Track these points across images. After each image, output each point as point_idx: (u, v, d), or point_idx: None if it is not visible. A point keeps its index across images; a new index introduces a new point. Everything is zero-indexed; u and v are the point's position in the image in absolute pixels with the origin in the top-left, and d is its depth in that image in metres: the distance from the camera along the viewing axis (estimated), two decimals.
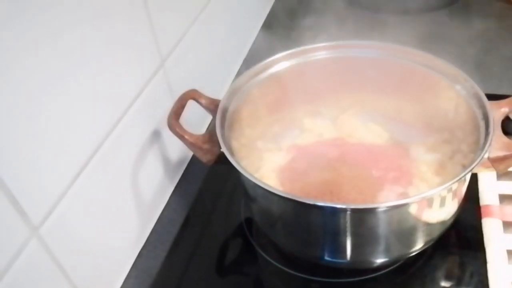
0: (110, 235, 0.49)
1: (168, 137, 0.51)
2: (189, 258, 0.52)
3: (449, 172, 0.50)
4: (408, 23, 0.83)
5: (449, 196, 0.43)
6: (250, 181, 0.42)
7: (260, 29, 0.86)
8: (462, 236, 0.51)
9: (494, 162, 0.44)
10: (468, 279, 0.48)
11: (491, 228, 0.50)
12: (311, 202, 0.41)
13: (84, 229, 0.44)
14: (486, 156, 0.43)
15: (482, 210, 0.52)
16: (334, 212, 0.42)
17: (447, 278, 0.49)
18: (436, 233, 0.46)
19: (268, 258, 0.51)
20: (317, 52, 0.55)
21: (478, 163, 0.41)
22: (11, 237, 0.36)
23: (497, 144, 0.44)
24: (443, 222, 0.46)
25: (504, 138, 0.45)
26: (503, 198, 0.53)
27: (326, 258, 0.46)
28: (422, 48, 0.53)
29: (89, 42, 0.42)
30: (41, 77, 0.37)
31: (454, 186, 0.42)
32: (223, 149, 0.44)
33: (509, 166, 0.45)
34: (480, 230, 0.50)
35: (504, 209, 0.52)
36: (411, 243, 0.46)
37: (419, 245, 0.46)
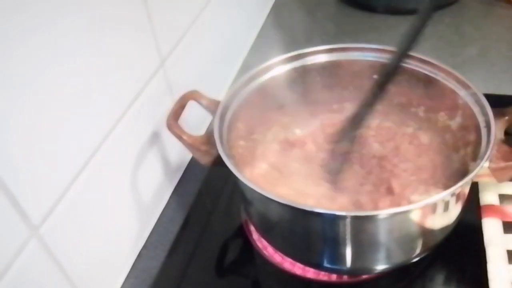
0: (110, 235, 0.49)
1: (168, 137, 0.51)
2: (189, 258, 0.52)
3: (453, 179, 0.50)
4: (408, 23, 0.83)
5: (451, 202, 0.43)
6: (246, 185, 0.42)
7: (260, 29, 0.86)
8: (462, 236, 0.50)
9: (495, 171, 0.43)
10: (468, 279, 0.48)
11: (491, 228, 0.50)
12: (310, 209, 0.40)
13: (84, 229, 0.44)
14: (486, 165, 0.42)
15: (482, 210, 0.52)
16: (334, 220, 0.41)
17: (447, 278, 0.49)
18: (436, 239, 0.46)
19: (268, 259, 0.51)
20: (317, 55, 0.54)
21: (476, 172, 0.41)
22: (11, 237, 0.36)
23: (499, 153, 0.43)
24: (442, 229, 0.45)
25: (506, 148, 0.44)
26: (503, 198, 0.53)
27: (326, 265, 0.46)
28: (422, 48, 0.53)
29: (89, 42, 0.42)
30: (41, 77, 0.37)
31: (457, 191, 0.42)
32: (220, 153, 0.44)
33: (510, 176, 0.44)
34: (480, 230, 0.50)
35: (504, 209, 0.52)
36: (411, 250, 0.45)
37: (419, 252, 0.46)
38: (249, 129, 0.54)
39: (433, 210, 0.42)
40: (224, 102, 0.50)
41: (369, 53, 0.54)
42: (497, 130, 0.44)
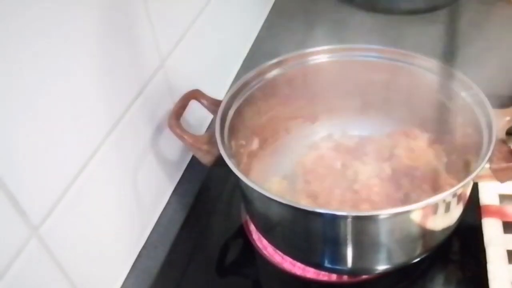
0: (110, 235, 0.49)
1: (169, 137, 0.51)
2: (189, 258, 0.52)
3: (454, 179, 0.50)
4: (408, 23, 0.83)
5: (452, 203, 0.43)
6: (247, 185, 0.42)
7: (260, 29, 0.86)
8: (462, 236, 0.50)
9: (496, 172, 0.43)
10: (468, 279, 0.48)
11: (491, 228, 0.50)
12: (310, 209, 0.40)
13: (84, 229, 0.44)
14: (487, 166, 0.42)
15: (482, 210, 0.52)
16: (335, 220, 0.41)
17: (447, 277, 0.49)
18: (438, 240, 0.46)
19: (268, 259, 0.51)
20: (318, 55, 0.54)
21: (477, 173, 0.41)
22: (11, 237, 0.36)
23: (500, 154, 0.43)
24: (443, 230, 0.45)
25: (507, 148, 0.44)
26: (503, 198, 0.53)
27: (326, 265, 0.46)
28: (423, 48, 0.53)
29: (89, 42, 0.42)
30: (40, 76, 0.37)
31: (458, 192, 0.42)
32: (221, 152, 0.44)
33: (511, 177, 0.44)
34: (480, 230, 0.50)
35: (504, 209, 0.52)
36: (412, 250, 0.45)
37: (420, 252, 0.46)
38: (251, 128, 0.54)
39: (434, 210, 0.42)
40: (225, 102, 0.50)
41: (369, 53, 0.54)
42: (498, 130, 0.44)
